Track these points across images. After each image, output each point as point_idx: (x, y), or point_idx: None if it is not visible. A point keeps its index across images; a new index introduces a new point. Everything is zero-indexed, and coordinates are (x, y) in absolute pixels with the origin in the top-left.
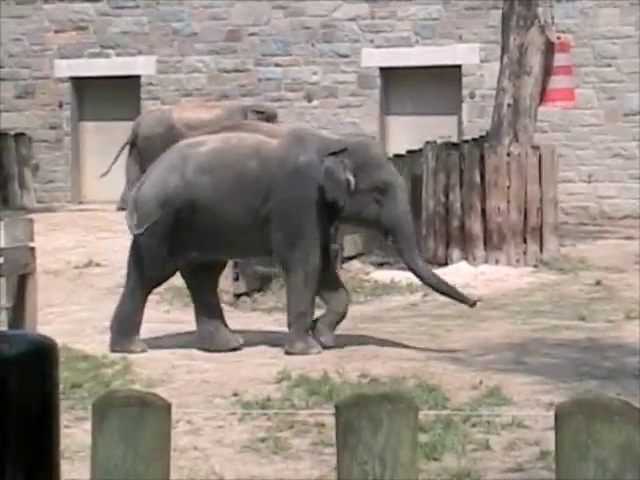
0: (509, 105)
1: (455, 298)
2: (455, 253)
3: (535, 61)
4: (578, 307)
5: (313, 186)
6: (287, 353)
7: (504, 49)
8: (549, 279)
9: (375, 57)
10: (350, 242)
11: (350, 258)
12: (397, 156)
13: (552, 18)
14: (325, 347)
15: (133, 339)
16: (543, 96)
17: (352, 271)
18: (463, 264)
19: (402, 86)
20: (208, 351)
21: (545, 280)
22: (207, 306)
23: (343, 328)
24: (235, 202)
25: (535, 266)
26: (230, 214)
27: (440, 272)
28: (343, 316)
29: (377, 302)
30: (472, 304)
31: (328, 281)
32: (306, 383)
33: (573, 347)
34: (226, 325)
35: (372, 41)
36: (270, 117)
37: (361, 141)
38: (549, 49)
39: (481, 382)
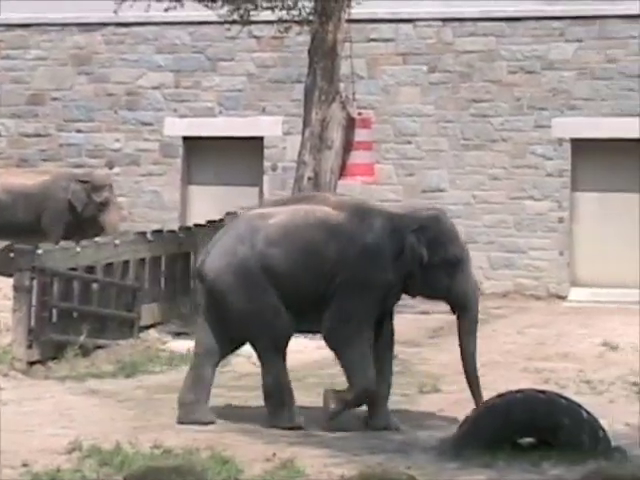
0: (310, 178)
1: (474, 395)
2: None
3: (336, 136)
4: None
5: (379, 265)
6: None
7: (306, 123)
8: None
9: (178, 126)
10: (147, 311)
11: (147, 327)
12: (197, 226)
13: (353, 94)
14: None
15: (293, 410)
16: (343, 170)
17: (149, 340)
18: None
19: (205, 156)
20: None
21: None
22: None
23: (138, 398)
24: (303, 276)
25: None
26: (299, 288)
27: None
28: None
29: (174, 372)
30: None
31: (381, 359)
32: (98, 454)
33: (366, 420)
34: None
35: (176, 110)
36: (96, 187)
37: (433, 215)
38: (350, 124)
39: (274, 454)
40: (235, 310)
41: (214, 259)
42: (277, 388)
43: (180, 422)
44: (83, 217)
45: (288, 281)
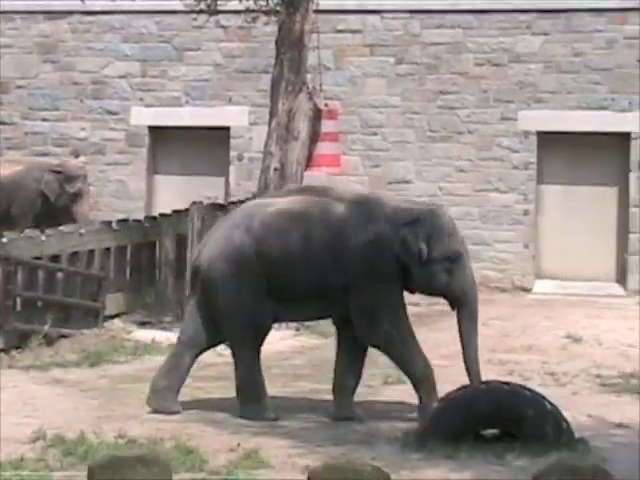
0: (276, 169)
1: (470, 380)
2: None
3: (302, 127)
4: None
5: (385, 256)
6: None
7: (272, 113)
8: (310, 343)
9: (144, 116)
10: (112, 300)
11: (112, 317)
12: (163, 215)
13: (320, 85)
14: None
15: (265, 405)
16: (310, 161)
17: (113, 330)
18: None
19: (171, 145)
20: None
21: (306, 344)
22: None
23: (103, 388)
24: (303, 265)
25: (297, 329)
26: (298, 277)
27: None
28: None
29: (138, 362)
30: None
31: (357, 351)
32: (62, 443)
33: (331, 411)
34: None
35: (142, 99)
36: (70, 177)
37: (432, 210)
38: (317, 115)
39: (239, 445)
40: (221, 298)
41: (210, 248)
42: (251, 381)
43: (149, 406)
44: (56, 207)
45: (285, 269)
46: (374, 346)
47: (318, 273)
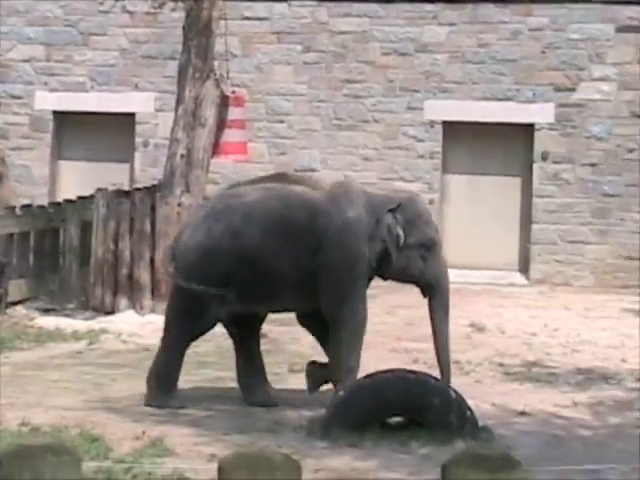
0: (182, 156)
1: (440, 369)
2: (123, 302)
3: (209, 114)
4: None
5: (361, 241)
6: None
7: (179, 100)
8: (221, 331)
9: (49, 100)
10: (15, 287)
11: (15, 303)
12: (67, 201)
13: (227, 72)
14: None
15: (172, 394)
16: (216, 149)
17: (16, 317)
18: (130, 313)
19: (75, 131)
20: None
21: (217, 332)
22: (250, 357)
23: (5, 375)
24: (283, 254)
25: None
26: (277, 266)
27: (107, 320)
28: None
29: (41, 349)
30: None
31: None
32: None
33: (236, 399)
34: (266, 380)
35: (46, 84)
36: None
37: (409, 197)
38: (224, 102)
39: (144, 433)
40: (178, 285)
41: (188, 238)
42: (166, 370)
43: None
44: None
45: (265, 261)
46: (329, 320)
47: (295, 263)
